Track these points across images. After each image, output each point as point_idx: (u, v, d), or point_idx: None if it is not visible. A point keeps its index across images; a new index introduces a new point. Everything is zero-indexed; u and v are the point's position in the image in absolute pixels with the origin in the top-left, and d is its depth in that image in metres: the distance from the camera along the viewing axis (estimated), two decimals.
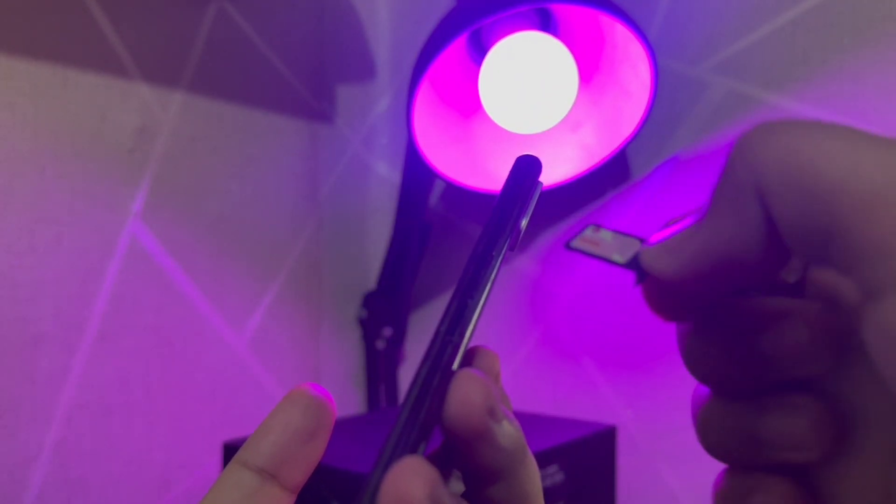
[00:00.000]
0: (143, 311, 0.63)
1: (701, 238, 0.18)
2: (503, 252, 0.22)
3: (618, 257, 0.20)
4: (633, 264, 0.20)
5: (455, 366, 0.20)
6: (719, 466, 0.22)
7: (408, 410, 0.19)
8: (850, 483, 0.19)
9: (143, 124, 0.62)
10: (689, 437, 0.65)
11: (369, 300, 0.78)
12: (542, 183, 0.23)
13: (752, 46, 0.63)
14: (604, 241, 0.20)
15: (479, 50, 0.64)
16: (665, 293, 0.20)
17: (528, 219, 0.22)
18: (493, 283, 0.21)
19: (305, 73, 0.78)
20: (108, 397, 0.60)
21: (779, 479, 0.20)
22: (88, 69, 0.59)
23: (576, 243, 0.20)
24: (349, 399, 0.80)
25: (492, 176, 0.66)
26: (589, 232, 0.20)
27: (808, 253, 0.17)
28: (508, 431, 0.20)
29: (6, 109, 0.54)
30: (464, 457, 0.20)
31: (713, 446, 0.21)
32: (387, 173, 0.82)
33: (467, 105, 0.67)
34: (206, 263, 0.67)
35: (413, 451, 0.18)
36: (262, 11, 0.73)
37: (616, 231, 0.20)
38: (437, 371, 0.20)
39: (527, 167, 0.23)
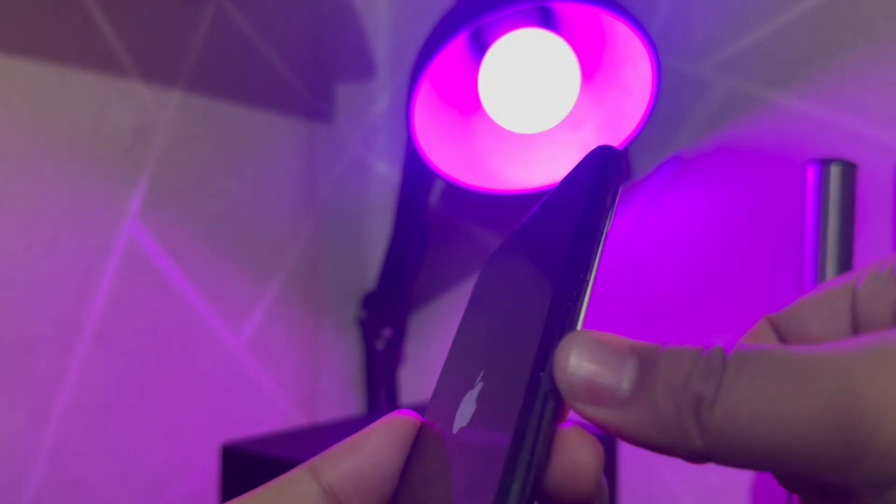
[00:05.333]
0: (141, 312, 0.62)
1: None
2: (594, 273, 0.19)
3: None
4: None
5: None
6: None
7: (518, 482, 0.16)
8: None
9: (140, 123, 0.62)
10: None
11: (369, 300, 0.78)
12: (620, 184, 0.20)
13: (754, 45, 0.62)
14: None
15: (480, 48, 0.64)
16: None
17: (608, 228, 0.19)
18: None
19: (304, 72, 0.77)
20: (106, 399, 0.60)
21: None
22: (86, 68, 0.59)
23: None
24: (348, 400, 0.80)
25: (492, 175, 0.66)
26: None
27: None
28: (604, 493, 0.18)
29: (3, 108, 0.54)
30: None
31: None
32: (386, 173, 0.81)
33: (468, 104, 0.67)
34: (204, 263, 0.67)
35: None
36: (260, 10, 0.72)
37: None
38: (551, 431, 0.17)
39: (606, 162, 0.20)
